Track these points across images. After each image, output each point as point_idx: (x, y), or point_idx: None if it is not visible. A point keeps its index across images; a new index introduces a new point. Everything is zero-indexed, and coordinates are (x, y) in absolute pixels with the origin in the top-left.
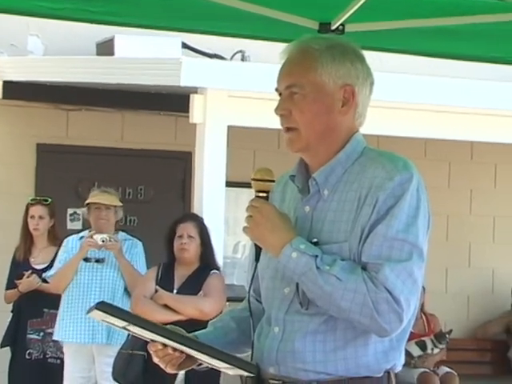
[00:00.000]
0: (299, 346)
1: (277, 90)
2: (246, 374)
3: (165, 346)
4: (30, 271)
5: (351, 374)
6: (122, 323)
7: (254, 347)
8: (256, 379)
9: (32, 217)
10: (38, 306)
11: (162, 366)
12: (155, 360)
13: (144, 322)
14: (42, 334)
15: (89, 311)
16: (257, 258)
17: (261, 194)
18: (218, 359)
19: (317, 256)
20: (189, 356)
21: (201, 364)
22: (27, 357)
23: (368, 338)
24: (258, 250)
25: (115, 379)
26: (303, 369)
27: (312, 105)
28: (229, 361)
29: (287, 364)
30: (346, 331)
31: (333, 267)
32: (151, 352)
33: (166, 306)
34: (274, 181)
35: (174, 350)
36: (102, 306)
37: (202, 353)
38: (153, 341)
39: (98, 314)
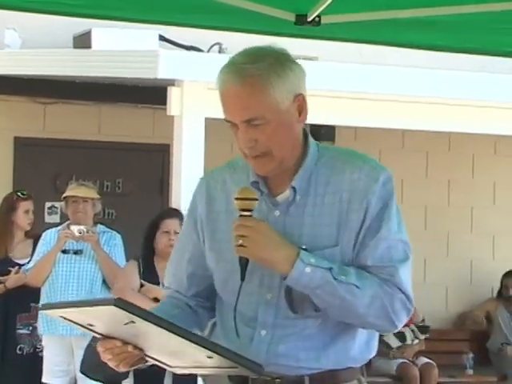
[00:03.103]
0: (293, 347)
1: (229, 121)
2: (250, 374)
3: (124, 342)
4: (16, 267)
5: (339, 366)
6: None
7: (223, 349)
8: (236, 376)
9: (26, 211)
10: (25, 301)
11: (114, 363)
12: (106, 358)
13: (153, 316)
14: (30, 328)
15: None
16: (243, 277)
17: (245, 213)
18: (227, 358)
19: (331, 268)
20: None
21: (146, 362)
22: (18, 352)
23: (355, 332)
24: (244, 270)
25: (83, 373)
26: (296, 367)
27: (276, 129)
28: (238, 360)
29: (280, 364)
30: (336, 327)
31: (349, 276)
32: (103, 349)
33: (156, 300)
34: (257, 199)
35: (135, 347)
36: (120, 303)
37: (211, 350)
38: (108, 337)
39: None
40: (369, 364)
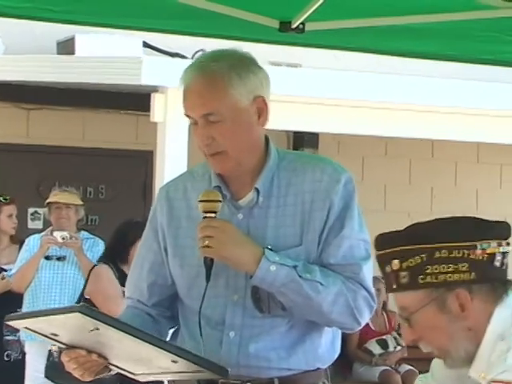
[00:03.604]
0: (262, 347)
1: (189, 116)
2: (216, 377)
3: (88, 351)
4: (2, 273)
5: (309, 367)
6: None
7: (187, 352)
8: (205, 381)
9: (10, 216)
10: (12, 307)
11: (78, 373)
12: (71, 367)
13: (119, 322)
14: (18, 334)
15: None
16: (208, 278)
17: (209, 215)
18: (191, 361)
19: (296, 266)
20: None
21: (111, 370)
22: (6, 358)
23: (322, 331)
24: (209, 271)
25: (47, 377)
26: (267, 367)
27: (233, 127)
28: (203, 364)
29: (251, 365)
30: (304, 326)
31: (313, 274)
32: (67, 359)
33: None
34: (220, 201)
35: (99, 356)
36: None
37: (176, 355)
38: (72, 347)
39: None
40: (350, 371)
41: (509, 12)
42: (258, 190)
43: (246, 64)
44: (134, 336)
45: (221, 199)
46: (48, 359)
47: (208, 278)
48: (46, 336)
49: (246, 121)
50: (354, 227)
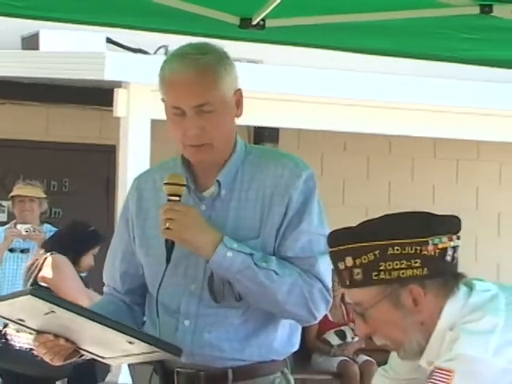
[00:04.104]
0: (216, 336)
1: (177, 108)
2: (170, 356)
3: (56, 336)
4: None
5: (264, 359)
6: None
7: (139, 333)
8: (162, 369)
9: None
10: None
11: (48, 357)
12: (41, 352)
13: (71, 304)
14: None
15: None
16: (168, 260)
17: (173, 198)
18: (145, 341)
19: (252, 254)
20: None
21: (82, 355)
22: None
23: (277, 324)
24: (170, 253)
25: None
26: (220, 357)
27: (223, 118)
28: (156, 343)
29: (204, 353)
30: (259, 319)
31: (269, 263)
32: (37, 343)
33: None
34: (185, 185)
35: (67, 340)
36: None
37: (128, 335)
38: (38, 332)
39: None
40: (309, 361)
41: (464, 10)
42: (219, 183)
43: (227, 58)
44: (88, 318)
45: (186, 183)
46: None
47: (168, 261)
48: (14, 322)
49: (230, 113)
50: (313, 222)
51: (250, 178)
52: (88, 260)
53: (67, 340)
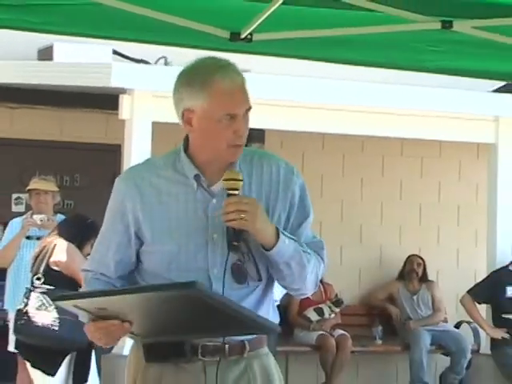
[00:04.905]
0: None
1: (233, 114)
2: (189, 292)
3: (119, 320)
4: None
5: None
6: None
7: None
8: (190, 346)
9: None
10: None
11: (103, 342)
12: (96, 337)
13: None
14: (0, 303)
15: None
16: (229, 248)
17: (233, 192)
18: (163, 290)
19: (295, 240)
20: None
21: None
22: None
23: (271, 298)
24: (233, 239)
25: (16, 334)
26: None
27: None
28: (173, 287)
29: None
30: (261, 292)
31: (305, 247)
32: (92, 331)
33: None
34: (242, 179)
35: (123, 321)
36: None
37: (149, 291)
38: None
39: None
40: (291, 335)
41: (428, 25)
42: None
43: None
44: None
45: (242, 178)
46: (20, 318)
47: (229, 248)
48: (89, 312)
49: None
50: (310, 212)
51: (248, 174)
52: (87, 250)
53: (124, 321)
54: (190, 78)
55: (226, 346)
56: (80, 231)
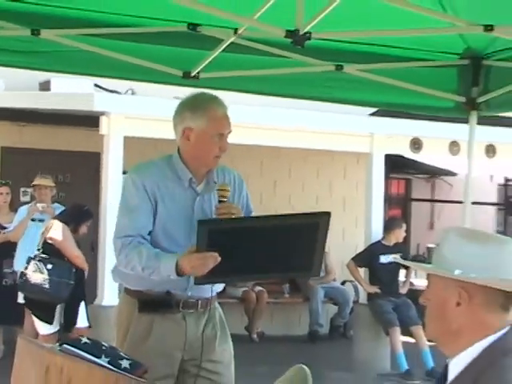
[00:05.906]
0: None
1: (221, 133)
2: (322, 220)
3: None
4: (3, 230)
5: (217, 291)
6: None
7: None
8: (175, 301)
9: (1, 193)
10: (9, 251)
11: (197, 270)
12: (196, 264)
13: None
14: (12, 268)
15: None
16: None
17: (223, 199)
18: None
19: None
20: None
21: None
22: (4, 283)
23: None
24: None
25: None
26: (207, 289)
27: None
28: (311, 216)
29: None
30: None
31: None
32: (194, 259)
33: None
34: (229, 190)
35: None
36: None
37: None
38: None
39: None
40: (224, 291)
41: (326, 67)
42: (215, 182)
43: None
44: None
45: (229, 189)
46: (21, 278)
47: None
48: None
49: None
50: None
51: (220, 179)
52: (83, 229)
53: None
54: (194, 106)
55: (199, 301)
56: (77, 215)
